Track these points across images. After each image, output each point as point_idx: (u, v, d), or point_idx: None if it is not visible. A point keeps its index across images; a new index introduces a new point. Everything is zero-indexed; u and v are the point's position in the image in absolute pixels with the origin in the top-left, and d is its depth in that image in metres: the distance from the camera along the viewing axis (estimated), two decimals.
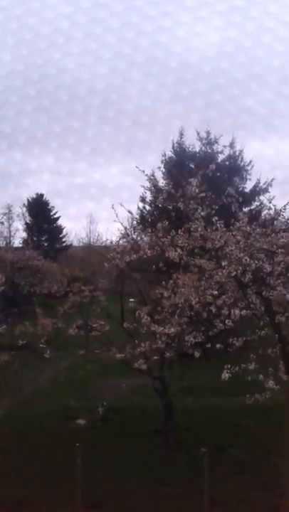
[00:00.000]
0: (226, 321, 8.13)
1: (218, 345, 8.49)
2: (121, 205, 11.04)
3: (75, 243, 45.14)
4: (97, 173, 66.05)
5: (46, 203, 44.54)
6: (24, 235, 44.19)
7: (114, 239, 12.68)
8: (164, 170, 22.68)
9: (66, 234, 45.42)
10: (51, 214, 44.67)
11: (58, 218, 44.77)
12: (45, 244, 42.89)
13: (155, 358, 10.61)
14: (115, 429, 12.13)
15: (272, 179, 21.94)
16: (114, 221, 11.25)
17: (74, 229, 73.95)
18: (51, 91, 48.60)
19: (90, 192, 64.07)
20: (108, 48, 43.98)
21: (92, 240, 45.08)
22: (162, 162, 23.30)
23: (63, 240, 45.17)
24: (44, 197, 44.53)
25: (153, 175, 11.03)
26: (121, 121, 57.06)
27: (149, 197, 21.84)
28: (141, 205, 23.09)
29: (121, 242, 12.27)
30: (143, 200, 23.02)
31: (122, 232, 12.22)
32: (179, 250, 8.92)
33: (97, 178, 62.75)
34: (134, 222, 12.99)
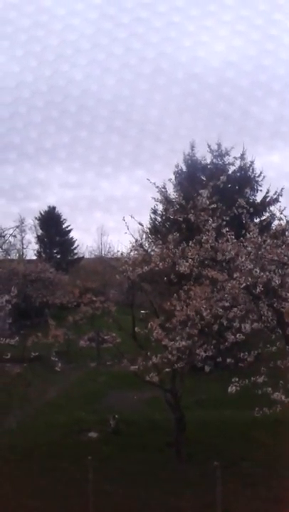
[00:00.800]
0: (237, 334, 8.11)
1: (228, 360, 8.46)
2: (131, 217, 11.15)
3: (87, 255, 45.45)
4: (105, 183, 66.51)
5: (58, 216, 44.97)
6: (36, 247, 44.61)
7: (126, 250, 12.76)
8: (175, 182, 22.86)
9: (78, 246, 45.75)
10: (63, 227, 45.05)
11: (69, 231, 45.17)
12: (57, 256, 43.17)
13: (166, 370, 10.59)
14: (127, 441, 12.07)
15: (282, 189, 21.89)
16: (125, 233, 11.34)
17: (85, 241, 74.17)
18: (59, 102, 49.33)
19: (100, 203, 64.45)
20: (115, 59, 44.59)
21: (103, 251, 45.29)
22: (174, 174, 23.50)
23: (75, 252, 45.47)
24: (56, 210, 44.97)
25: (164, 187, 11.13)
26: (128, 131, 57.49)
27: (160, 209, 21.99)
28: (152, 216, 23.26)
29: (132, 253, 12.34)
30: (154, 212, 23.19)
31: (133, 243, 12.31)
32: (190, 262, 8.94)
33: (106, 189, 63.14)
34: (145, 233, 13.04)
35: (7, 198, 60.85)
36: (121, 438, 12.38)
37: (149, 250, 12.08)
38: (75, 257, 44.83)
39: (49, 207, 45.10)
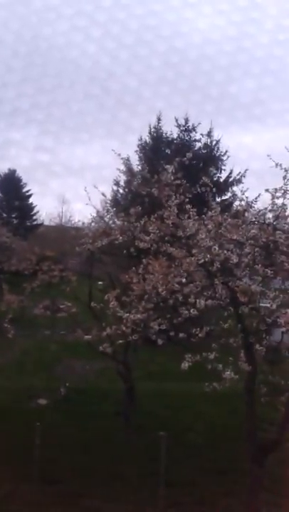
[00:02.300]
0: (191, 309, 8.23)
1: (181, 334, 8.59)
2: (95, 187, 10.99)
3: (46, 222, 44.59)
4: (75, 150, 64.91)
5: (18, 179, 43.68)
6: None
7: (87, 221, 12.63)
8: (140, 154, 22.59)
9: (37, 212, 44.80)
10: (23, 191, 43.91)
11: (30, 196, 44.04)
12: (15, 221, 42.18)
13: (120, 342, 10.69)
14: (76, 409, 12.22)
15: (246, 170, 22.11)
16: (87, 204, 11.20)
17: (46, 208, 72.63)
18: (40, 63, 47.50)
19: (64, 169, 63.05)
20: (98, 27, 43.13)
21: (63, 220, 44.60)
22: (138, 146, 23.18)
23: (34, 218, 44.56)
24: (16, 173, 43.66)
25: (128, 158, 10.96)
26: (105, 100, 56.11)
27: (122, 180, 21.76)
28: (115, 188, 22.98)
29: (93, 225, 12.23)
30: (117, 183, 22.90)
31: (95, 214, 12.19)
32: (150, 236, 8.94)
33: (75, 156, 61.73)
34: (107, 205, 12.92)
35: None
36: (71, 406, 12.51)
37: (110, 222, 12.01)
38: (34, 223, 43.95)
39: (9, 169, 43.67)
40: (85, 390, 13.55)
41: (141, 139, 23.24)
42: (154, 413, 11.86)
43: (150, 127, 23.33)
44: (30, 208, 44.28)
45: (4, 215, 42.21)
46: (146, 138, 23.23)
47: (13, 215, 43.24)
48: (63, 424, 11.12)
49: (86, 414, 11.89)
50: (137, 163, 21.45)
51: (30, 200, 44.09)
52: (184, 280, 8.37)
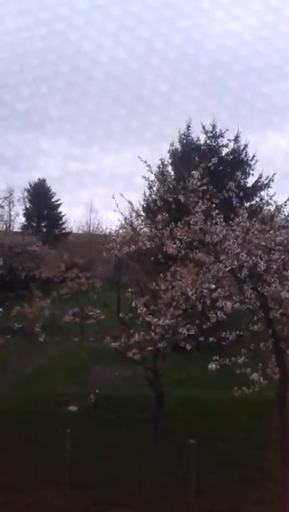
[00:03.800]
0: (219, 312, 8.18)
1: (210, 339, 8.55)
2: (121, 195, 11.08)
3: (75, 230, 45.11)
4: (104, 158, 65.47)
5: (47, 189, 44.47)
6: (24, 220, 44.21)
7: (114, 228, 12.74)
8: (170, 161, 22.69)
9: (66, 221, 45.41)
10: (52, 200, 44.63)
11: (58, 205, 44.77)
12: (45, 230, 42.86)
13: (149, 348, 10.70)
14: (106, 416, 12.25)
15: (274, 174, 21.86)
16: (114, 211, 11.29)
17: (74, 216, 73.42)
18: (67, 72, 48.25)
19: (96, 178, 63.60)
20: (127, 31, 43.44)
21: (92, 227, 45.00)
22: (169, 153, 23.31)
23: (63, 226, 45.17)
24: (46, 182, 44.45)
25: (163, 164, 11.02)
26: (133, 107, 56.37)
27: (154, 188, 21.84)
28: (146, 194, 23.04)
29: (120, 231, 12.32)
30: (150, 188, 22.97)
31: (122, 221, 12.29)
32: (177, 243, 8.95)
33: (103, 164, 62.20)
34: (136, 212, 13.00)
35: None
36: (100, 412, 12.56)
37: (138, 229, 12.08)
38: (63, 231, 44.55)
39: (39, 179, 44.56)
40: (114, 396, 13.58)
41: (173, 144, 23.35)
42: (183, 420, 11.79)
43: (180, 134, 23.43)
44: (59, 216, 44.96)
45: (34, 224, 42.96)
46: (177, 144, 23.34)
47: (43, 224, 43.96)
48: (93, 431, 11.16)
49: (115, 420, 11.92)
50: (167, 170, 21.51)
51: (60, 209, 44.83)
52: (212, 286, 8.35)
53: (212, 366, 7.41)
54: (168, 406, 11.42)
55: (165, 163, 21.41)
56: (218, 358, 7.48)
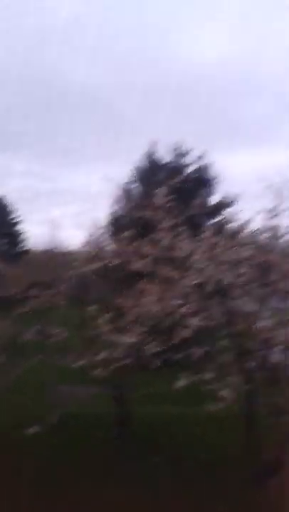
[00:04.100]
0: (186, 330, 8.22)
1: (177, 356, 8.55)
2: (88, 211, 11.08)
3: (37, 247, 44.49)
4: (68, 176, 65.11)
5: (5, 206, 43.82)
6: None
7: (79, 245, 12.65)
8: (135, 179, 23.00)
9: (27, 238, 44.78)
10: (11, 217, 43.97)
11: (18, 222, 44.12)
12: (4, 247, 42.06)
13: (114, 366, 10.57)
14: (70, 436, 11.98)
15: (239, 193, 22.50)
16: (79, 228, 11.25)
17: (37, 233, 72.48)
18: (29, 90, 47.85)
19: (59, 195, 63.18)
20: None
21: (55, 245, 44.54)
22: (134, 170, 23.59)
23: (24, 243, 44.49)
24: (4, 199, 43.80)
25: (127, 182, 11.13)
26: (93, 122, 56.46)
27: (119, 205, 22.01)
28: (109, 211, 23.21)
29: (85, 248, 12.25)
30: (114, 206, 23.13)
31: (88, 238, 12.23)
32: (144, 259, 8.99)
33: (67, 182, 61.88)
34: (102, 229, 12.99)
35: None
36: (64, 432, 12.25)
37: (103, 246, 12.04)
38: (24, 248, 43.86)
39: None
40: (79, 415, 13.32)
41: (136, 163, 23.69)
42: (149, 438, 11.66)
43: (145, 152, 23.79)
44: (19, 233, 44.28)
45: None
46: (141, 162, 23.68)
47: (3, 241, 43.14)
48: (56, 453, 10.87)
49: (80, 440, 11.66)
50: (132, 187, 21.78)
51: (20, 226, 44.18)
52: (179, 302, 8.38)
53: (179, 384, 7.40)
54: (134, 424, 11.27)
55: (130, 181, 21.68)
56: (185, 374, 7.48)
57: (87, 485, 9.43)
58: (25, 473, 8.56)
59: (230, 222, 9.13)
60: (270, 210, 7.79)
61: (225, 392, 7.11)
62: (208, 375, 7.39)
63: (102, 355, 9.91)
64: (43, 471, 9.05)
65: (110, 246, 11.05)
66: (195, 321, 7.96)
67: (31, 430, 12.76)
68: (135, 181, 22.85)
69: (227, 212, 21.54)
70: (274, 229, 7.96)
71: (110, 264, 10.10)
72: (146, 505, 8.49)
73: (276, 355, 8.51)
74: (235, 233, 8.55)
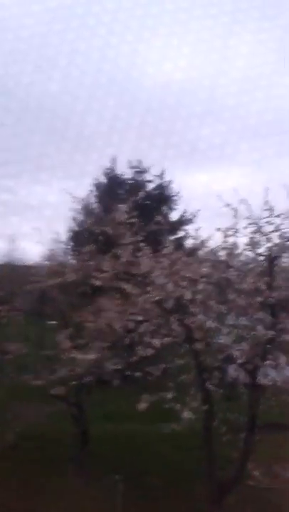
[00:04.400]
0: (147, 349, 8.20)
1: (137, 374, 8.51)
2: (47, 226, 10.94)
3: None
4: (28, 190, 64.11)
5: None
6: None
7: (38, 259, 12.48)
8: (95, 194, 22.96)
9: None
10: None
11: None
12: None
13: (73, 383, 10.41)
14: (27, 456, 11.64)
15: (198, 210, 22.76)
16: (38, 242, 11.08)
17: None
18: None
19: (17, 209, 62.07)
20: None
21: (13, 258, 43.63)
22: (94, 186, 23.51)
23: None
24: None
25: (86, 197, 11.06)
26: (54, 137, 56.03)
27: (78, 219, 21.85)
28: (71, 225, 22.99)
29: (45, 263, 12.09)
30: (73, 221, 22.93)
31: (48, 252, 12.08)
32: (104, 274, 8.93)
33: (26, 196, 61.00)
34: (61, 243, 12.87)
35: None
36: (21, 453, 11.90)
37: (63, 260, 11.93)
38: None
39: None
40: (36, 435, 12.98)
41: (96, 179, 23.63)
42: (109, 456, 11.50)
43: (105, 168, 23.80)
44: None
45: None
46: (101, 178, 23.65)
47: None
48: (13, 473, 10.54)
49: (38, 460, 11.35)
50: (92, 202, 21.72)
51: None
52: (139, 318, 8.36)
53: (142, 407, 7.34)
54: (94, 442, 11.09)
55: (90, 195, 21.61)
56: (146, 395, 7.43)
57: (45, 503, 9.17)
58: None
59: (190, 239, 9.24)
60: (228, 229, 7.93)
61: (185, 414, 7.10)
62: (168, 395, 7.37)
63: (62, 372, 9.74)
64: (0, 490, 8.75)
65: (70, 261, 10.94)
66: (156, 341, 7.95)
67: None
68: (95, 196, 22.86)
69: (186, 229, 21.86)
70: (232, 247, 8.09)
71: (70, 279, 9.98)
72: None
73: (234, 372, 8.62)
74: (194, 250, 8.63)
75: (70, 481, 10.14)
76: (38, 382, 9.83)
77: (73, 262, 10.09)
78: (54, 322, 13.68)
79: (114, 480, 8.35)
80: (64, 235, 22.33)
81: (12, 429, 12.72)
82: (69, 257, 11.44)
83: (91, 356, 9.11)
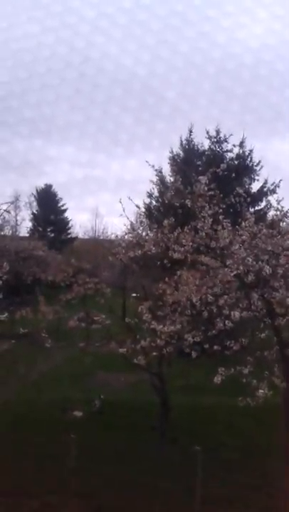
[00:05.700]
0: (226, 321, 8.11)
1: (215, 347, 8.47)
2: (129, 198, 11.05)
3: (81, 235, 45.17)
4: (110, 165, 65.54)
5: (54, 194, 44.62)
6: (30, 225, 44.32)
7: (120, 233, 12.71)
8: (172, 166, 22.72)
9: (72, 226, 45.49)
10: (58, 205, 44.75)
11: (65, 210, 44.89)
12: (51, 235, 42.93)
13: (154, 354, 10.62)
14: (111, 422, 12.18)
15: (281, 180, 21.79)
16: (121, 215, 11.24)
17: (80, 221, 73.70)
18: (74, 79, 48.67)
19: (101, 185, 63.78)
20: (133, 39, 43.64)
21: (97, 233, 45.04)
22: (170, 159, 23.27)
23: (69, 231, 45.25)
24: (52, 188, 44.59)
25: (161, 170, 11.01)
26: (140, 113, 56.32)
27: (156, 192, 21.85)
28: (148, 200, 23.10)
29: (126, 236, 12.28)
30: (150, 195, 23.01)
31: (128, 226, 12.24)
32: (184, 248, 8.89)
33: (109, 171, 62.40)
34: (142, 215, 12.95)
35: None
36: (105, 418, 12.48)
37: (144, 234, 12.03)
38: (69, 236, 44.61)
39: (45, 185, 44.76)
40: (120, 402, 13.51)
41: (172, 151, 23.34)
42: (188, 427, 11.69)
43: (181, 139, 23.43)
44: (65, 222, 45.07)
45: (40, 229, 43.08)
46: (179, 150, 23.32)
47: (49, 229, 44.06)
48: (98, 437, 11.09)
49: (121, 427, 11.84)
50: (170, 175, 21.56)
51: (66, 214, 44.94)
52: (218, 291, 8.28)
53: (218, 379, 7.33)
54: (174, 412, 11.31)
55: (169, 168, 21.45)
56: (223, 369, 7.39)
57: (127, 468, 9.56)
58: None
59: (272, 210, 8.88)
60: None
61: (263, 393, 6.97)
62: (246, 370, 7.28)
63: (143, 343, 9.97)
64: (86, 452, 9.25)
65: (150, 234, 11.01)
66: (236, 313, 7.84)
67: (76, 413, 13.12)
68: (174, 169, 22.58)
69: (268, 200, 21.02)
70: None
71: (150, 253, 10.06)
72: (185, 493, 8.54)
73: None
74: (276, 222, 8.31)
75: (151, 449, 10.45)
76: (123, 350, 10.12)
77: (152, 235, 10.11)
78: (136, 294, 13.96)
79: (194, 450, 8.48)
80: (144, 208, 22.54)
81: (98, 396, 13.36)
82: (149, 231, 11.48)
83: (170, 328, 9.21)
